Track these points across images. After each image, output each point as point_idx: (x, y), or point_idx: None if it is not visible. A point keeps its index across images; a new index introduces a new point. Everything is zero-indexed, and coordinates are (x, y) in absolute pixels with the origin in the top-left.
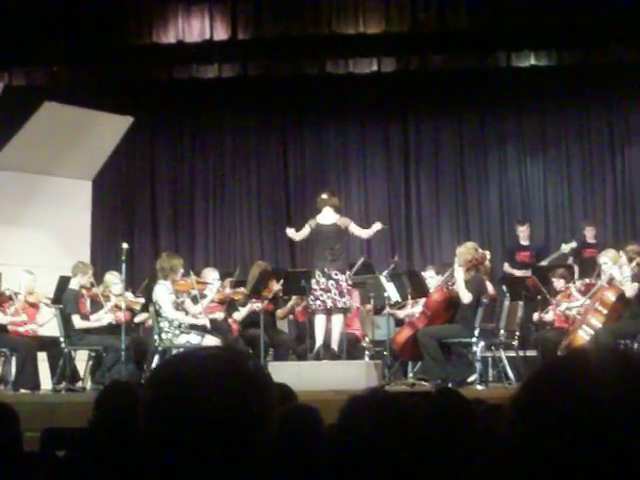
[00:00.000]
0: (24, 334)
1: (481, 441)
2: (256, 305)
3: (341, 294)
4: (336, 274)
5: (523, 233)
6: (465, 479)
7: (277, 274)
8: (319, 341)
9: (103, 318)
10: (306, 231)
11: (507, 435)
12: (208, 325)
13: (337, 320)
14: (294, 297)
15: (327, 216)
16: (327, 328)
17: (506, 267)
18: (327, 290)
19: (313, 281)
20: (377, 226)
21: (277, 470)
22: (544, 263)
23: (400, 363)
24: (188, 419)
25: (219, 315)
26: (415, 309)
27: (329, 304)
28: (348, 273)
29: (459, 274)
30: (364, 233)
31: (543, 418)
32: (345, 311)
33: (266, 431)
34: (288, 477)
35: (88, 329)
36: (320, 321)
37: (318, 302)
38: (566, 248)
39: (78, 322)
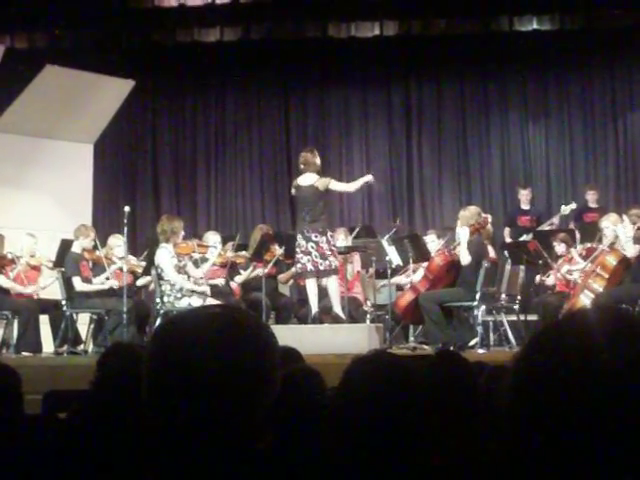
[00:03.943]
0: (26, 296)
1: (483, 403)
2: (258, 271)
3: (322, 256)
4: (316, 236)
5: (525, 197)
6: (467, 440)
7: (279, 238)
8: (314, 307)
9: (105, 283)
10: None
11: (509, 396)
12: (208, 292)
13: (329, 284)
14: None
15: (307, 177)
16: (320, 291)
17: (506, 233)
18: (307, 253)
19: (295, 244)
20: (366, 178)
21: (278, 430)
22: (545, 226)
23: (401, 327)
24: (189, 377)
25: (220, 281)
26: (415, 277)
27: (309, 267)
28: (330, 234)
29: (464, 233)
30: (349, 186)
31: (544, 378)
32: (331, 272)
33: (268, 390)
34: (289, 438)
35: (89, 292)
36: (311, 285)
37: (299, 265)
38: (566, 210)
39: (79, 284)
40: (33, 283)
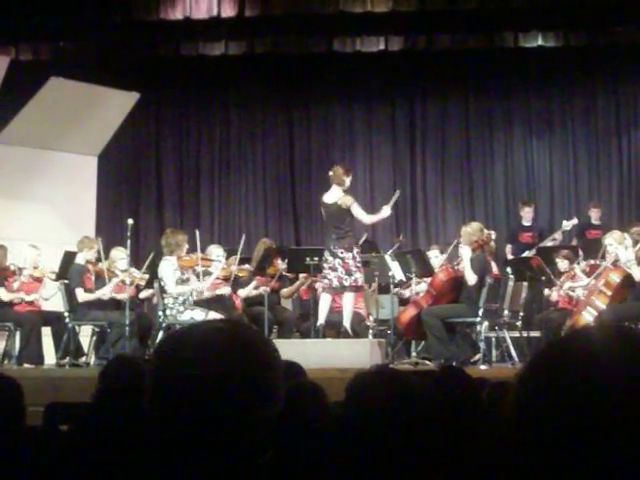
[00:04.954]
0: (29, 307)
1: (485, 418)
2: (262, 289)
3: (348, 272)
4: (342, 252)
5: (527, 214)
6: (469, 455)
7: (282, 252)
8: (321, 319)
9: (107, 293)
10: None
11: (511, 412)
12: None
13: (347, 298)
14: (301, 277)
15: (331, 194)
16: (332, 306)
17: (508, 250)
18: (334, 269)
19: (323, 259)
20: (385, 212)
21: (280, 445)
22: (547, 242)
23: (404, 342)
24: (192, 392)
25: (225, 290)
26: (419, 287)
27: (335, 283)
28: (356, 250)
29: (466, 254)
30: (366, 218)
31: (547, 395)
32: (355, 289)
33: (271, 404)
34: (291, 452)
35: (92, 304)
36: (324, 299)
37: (325, 280)
38: (567, 225)
39: (81, 295)
40: (35, 292)
